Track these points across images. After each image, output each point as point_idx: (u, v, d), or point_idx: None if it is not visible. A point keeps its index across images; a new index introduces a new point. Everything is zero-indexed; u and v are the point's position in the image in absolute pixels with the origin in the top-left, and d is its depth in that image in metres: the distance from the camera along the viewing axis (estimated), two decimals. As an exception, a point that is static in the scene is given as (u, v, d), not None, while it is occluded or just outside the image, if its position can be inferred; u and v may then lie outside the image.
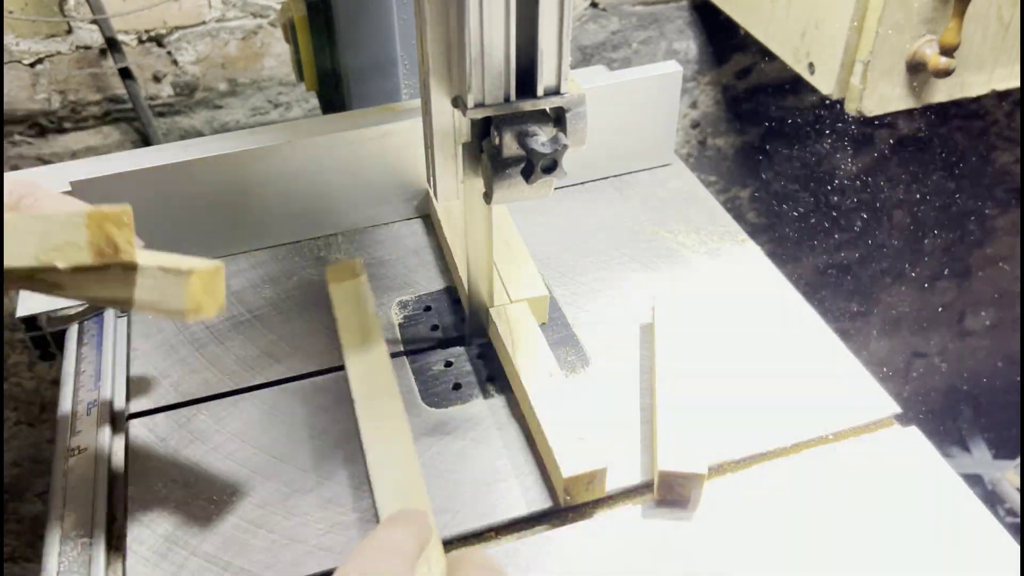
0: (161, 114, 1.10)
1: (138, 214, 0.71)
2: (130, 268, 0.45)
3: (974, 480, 1.72)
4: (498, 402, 0.64)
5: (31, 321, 0.72)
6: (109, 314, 0.74)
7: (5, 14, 0.98)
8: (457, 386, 0.65)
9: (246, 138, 0.73)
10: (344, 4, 0.76)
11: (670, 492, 0.57)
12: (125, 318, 0.73)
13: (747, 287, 0.73)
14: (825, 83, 0.96)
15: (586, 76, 0.87)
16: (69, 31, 1.02)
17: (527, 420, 0.61)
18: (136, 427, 0.62)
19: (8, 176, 0.55)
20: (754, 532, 0.56)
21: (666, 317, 0.67)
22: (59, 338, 0.74)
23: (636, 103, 0.81)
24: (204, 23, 1.06)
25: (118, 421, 0.64)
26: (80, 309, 0.73)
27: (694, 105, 1.36)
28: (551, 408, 0.59)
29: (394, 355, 0.67)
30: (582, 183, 0.85)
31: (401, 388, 0.65)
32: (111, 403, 0.66)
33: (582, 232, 0.79)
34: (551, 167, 0.52)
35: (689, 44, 1.29)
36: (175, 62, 1.07)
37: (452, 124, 0.55)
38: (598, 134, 0.79)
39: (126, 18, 1.02)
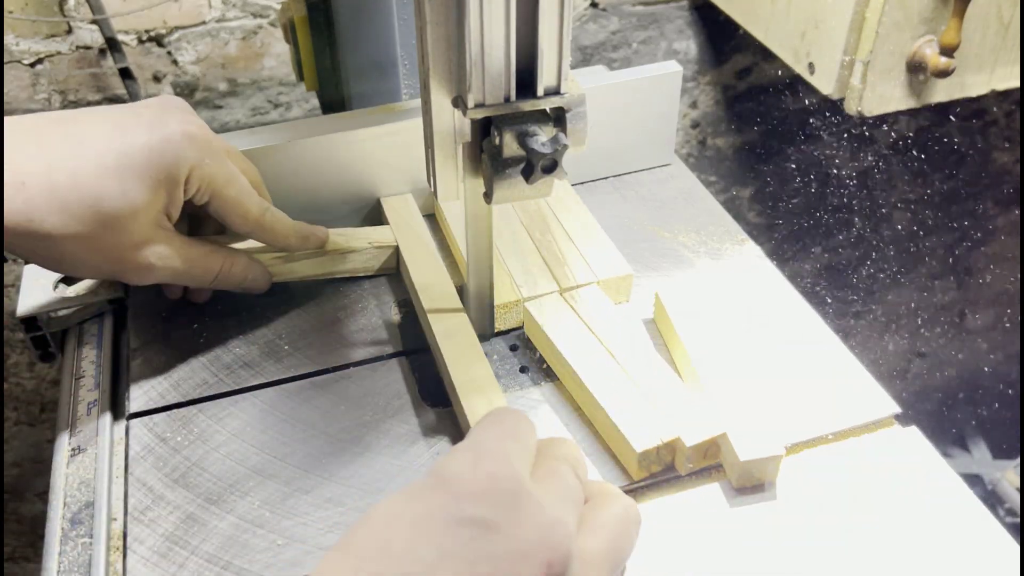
0: (161, 114, 1.10)
1: None
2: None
3: (974, 480, 1.72)
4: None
5: (31, 321, 0.72)
6: (109, 314, 0.74)
7: (5, 14, 0.98)
8: (457, 386, 0.65)
9: (246, 138, 0.73)
10: (344, 4, 0.76)
11: (749, 479, 0.57)
12: (125, 318, 0.73)
13: (747, 287, 0.73)
14: (825, 83, 0.96)
15: (586, 76, 0.87)
16: (69, 31, 1.02)
17: (584, 407, 0.62)
18: (136, 427, 0.62)
19: (180, 134, 0.58)
20: (753, 532, 0.56)
21: (676, 307, 0.67)
22: (59, 338, 0.74)
23: (636, 103, 0.81)
24: (204, 23, 1.06)
25: (118, 421, 0.64)
26: (80, 308, 0.73)
27: (694, 105, 1.36)
28: (612, 393, 0.60)
29: (394, 355, 0.68)
30: (582, 183, 0.85)
31: (401, 388, 0.65)
32: (111, 403, 0.66)
33: (582, 232, 0.79)
34: (551, 167, 0.52)
35: (689, 44, 1.29)
36: (175, 62, 1.07)
37: (452, 124, 0.55)
38: (598, 134, 0.79)
39: (126, 18, 1.02)
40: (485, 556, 0.37)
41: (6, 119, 0.56)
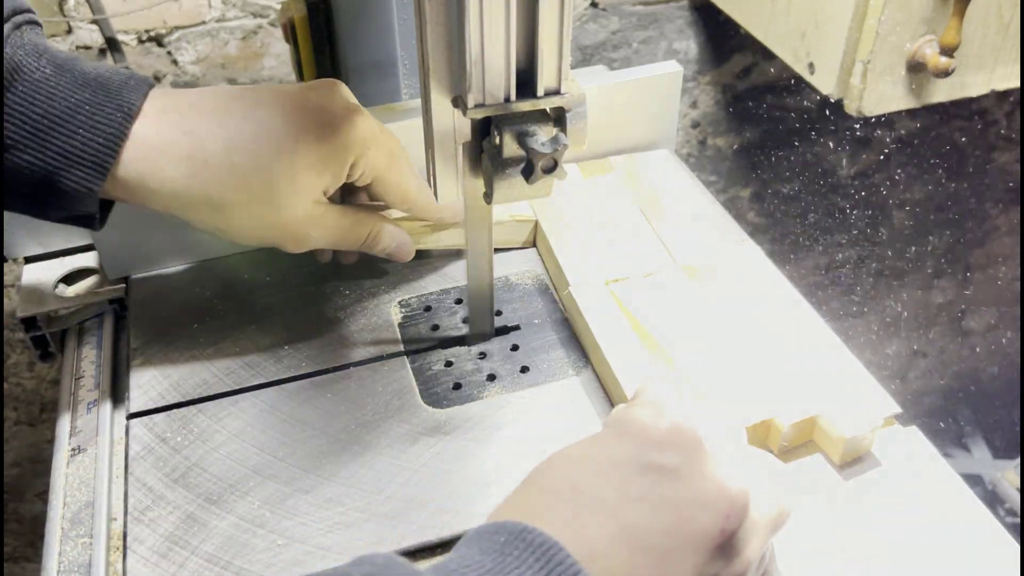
0: (161, 114, 1.10)
1: (138, 226, 0.71)
2: None
3: (974, 480, 1.72)
4: (498, 402, 0.64)
5: (31, 321, 0.72)
6: (109, 314, 0.74)
7: (5, 14, 0.98)
8: (457, 386, 0.65)
9: None
10: (344, 4, 0.76)
11: (853, 453, 0.58)
12: (125, 318, 0.73)
13: (747, 287, 0.73)
14: (825, 83, 0.96)
15: (586, 76, 0.87)
16: (69, 31, 1.02)
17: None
18: (136, 427, 0.62)
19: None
20: (754, 532, 0.56)
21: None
22: (59, 338, 0.74)
23: (636, 103, 0.81)
24: (204, 23, 1.06)
25: (118, 421, 0.64)
26: (79, 308, 0.73)
27: (694, 105, 1.36)
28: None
29: (394, 355, 0.68)
30: (582, 183, 0.85)
31: (401, 388, 0.65)
32: (111, 403, 0.66)
33: (582, 232, 0.79)
34: (551, 167, 0.52)
35: (689, 44, 1.29)
36: (175, 62, 1.07)
37: (452, 124, 0.55)
38: (598, 134, 0.79)
39: (126, 18, 1.02)
40: (668, 501, 0.39)
41: (186, 91, 0.59)
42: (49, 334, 0.73)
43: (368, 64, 0.79)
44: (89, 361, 0.70)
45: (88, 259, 0.77)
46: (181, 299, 0.72)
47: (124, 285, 0.74)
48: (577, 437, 0.60)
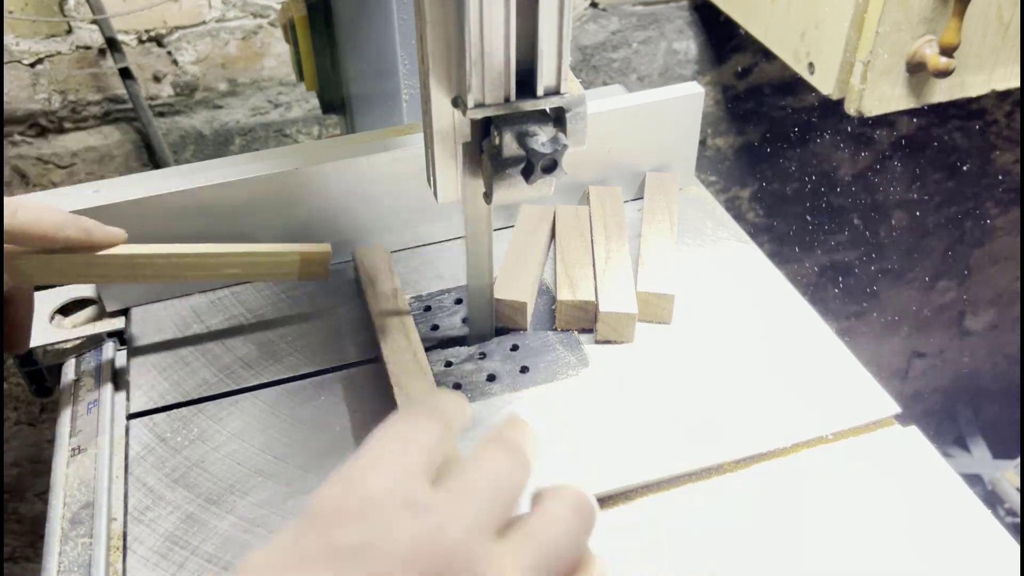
0: (161, 114, 1.10)
1: (142, 240, 0.69)
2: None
3: (974, 480, 1.72)
4: (498, 402, 0.64)
5: (27, 356, 0.69)
6: (108, 348, 0.71)
7: (5, 14, 0.98)
8: (457, 386, 0.65)
9: (249, 164, 0.71)
10: (344, 4, 0.76)
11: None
12: (123, 316, 0.73)
13: (747, 287, 0.73)
14: (825, 83, 0.96)
15: (605, 97, 0.79)
16: (69, 31, 1.02)
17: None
18: (136, 427, 0.62)
19: None
20: (754, 532, 0.56)
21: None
22: (55, 372, 0.70)
23: (656, 125, 0.78)
24: (204, 23, 1.06)
25: (118, 421, 0.64)
26: (77, 343, 0.71)
27: (694, 105, 1.36)
28: None
29: (394, 355, 0.67)
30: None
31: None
32: (111, 403, 0.66)
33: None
34: (551, 167, 0.52)
35: (689, 44, 1.29)
36: (175, 62, 1.07)
37: (452, 124, 0.55)
38: (617, 157, 0.78)
39: (126, 18, 1.02)
40: None
41: None
42: (45, 368, 0.70)
43: (368, 64, 0.79)
44: (89, 362, 0.70)
45: (86, 288, 0.73)
46: (184, 332, 0.70)
47: (124, 317, 0.72)
48: (577, 436, 0.60)
